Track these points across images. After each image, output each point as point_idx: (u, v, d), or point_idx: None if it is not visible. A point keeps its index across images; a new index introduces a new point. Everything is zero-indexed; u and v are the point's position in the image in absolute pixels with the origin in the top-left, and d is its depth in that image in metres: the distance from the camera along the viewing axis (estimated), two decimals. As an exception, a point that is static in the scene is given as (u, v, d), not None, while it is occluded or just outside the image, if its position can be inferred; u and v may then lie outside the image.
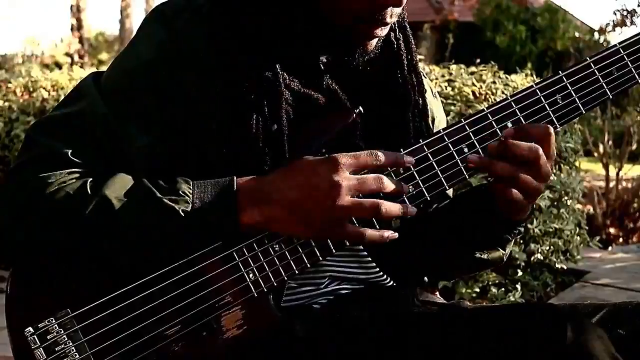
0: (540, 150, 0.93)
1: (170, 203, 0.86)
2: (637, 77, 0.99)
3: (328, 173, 0.87)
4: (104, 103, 0.93)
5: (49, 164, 0.90)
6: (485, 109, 0.96)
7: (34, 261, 0.90)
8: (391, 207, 0.89)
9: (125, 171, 0.91)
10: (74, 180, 0.89)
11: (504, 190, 0.96)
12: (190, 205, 0.87)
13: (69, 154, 0.90)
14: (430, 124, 1.09)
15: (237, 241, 0.90)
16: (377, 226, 0.91)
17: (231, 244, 0.90)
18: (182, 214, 0.86)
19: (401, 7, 0.94)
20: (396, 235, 0.91)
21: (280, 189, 0.88)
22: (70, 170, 0.90)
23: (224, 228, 0.88)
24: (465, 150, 0.94)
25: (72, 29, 14.15)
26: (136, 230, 0.86)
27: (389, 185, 0.90)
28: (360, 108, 0.95)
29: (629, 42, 1.00)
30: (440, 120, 1.14)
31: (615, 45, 1.00)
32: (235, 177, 0.89)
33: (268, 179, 0.89)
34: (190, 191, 0.88)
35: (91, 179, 0.89)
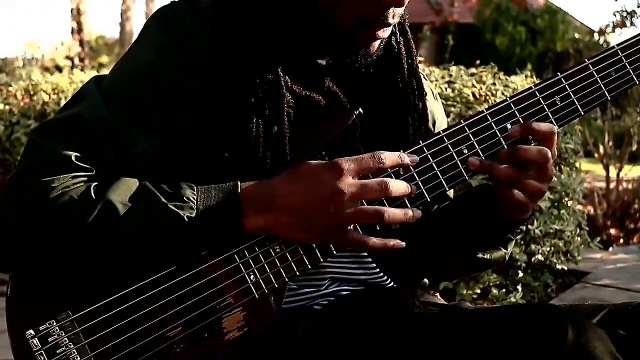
0: (549, 153, 0.93)
1: (174, 209, 0.86)
2: (635, 79, 1.00)
3: (331, 179, 0.87)
4: (106, 106, 0.93)
5: (52, 168, 0.90)
6: (485, 111, 0.96)
7: (37, 266, 0.90)
8: (395, 213, 0.89)
9: (128, 174, 0.91)
10: (77, 185, 0.89)
11: (506, 192, 0.96)
12: (195, 211, 0.87)
13: (72, 157, 0.90)
14: (431, 127, 1.09)
15: (238, 243, 0.90)
16: (377, 229, 0.91)
17: (232, 246, 0.90)
18: (186, 219, 0.86)
19: (403, 8, 0.94)
20: (402, 244, 0.91)
21: (284, 194, 0.88)
22: (73, 174, 0.90)
23: (227, 233, 0.88)
24: (465, 151, 0.95)
25: (72, 32, 14.16)
26: (140, 235, 0.86)
27: (393, 189, 0.89)
28: (360, 109, 0.95)
29: (627, 43, 1.00)
30: (441, 122, 1.14)
31: (613, 47, 1.00)
32: (239, 182, 0.89)
33: (271, 184, 0.89)
34: (195, 196, 0.88)
35: (95, 184, 0.89)
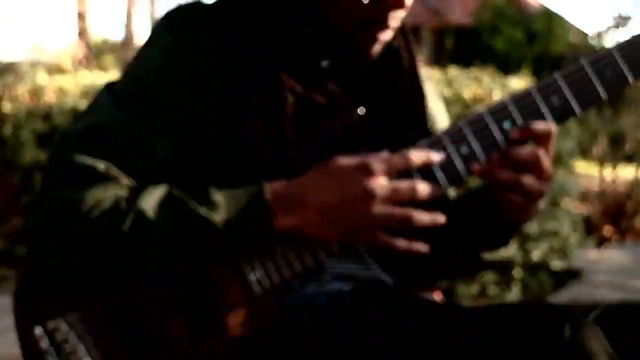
0: (541, 152, 0.93)
1: (205, 213, 0.87)
2: (630, 79, 0.99)
3: (362, 179, 0.86)
4: (122, 112, 0.93)
5: (79, 181, 0.88)
6: (483, 111, 0.96)
7: (77, 281, 0.90)
8: (422, 218, 0.89)
9: (152, 178, 0.91)
10: (107, 197, 0.88)
11: (504, 195, 0.95)
12: (225, 214, 0.87)
13: (99, 168, 0.89)
14: (433, 127, 1.09)
15: (269, 244, 0.90)
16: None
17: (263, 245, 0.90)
18: (217, 223, 0.87)
19: (404, 11, 0.94)
20: (427, 249, 0.91)
21: (314, 193, 0.87)
22: (102, 186, 0.89)
23: (259, 235, 0.88)
24: (464, 152, 0.94)
25: (77, 35, 14.07)
26: (173, 241, 0.87)
27: (422, 192, 0.89)
28: (361, 110, 0.95)
29: (622, 44, 1.00)
30: (442, 121, 1.14)
31: (609, 48, 1.00)
32: (264, 183, 0.89)
33: (301, 182, 0.88)
34: (223, 200, 0.88)
35: (125, 193, 0.89)
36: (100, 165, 0.89)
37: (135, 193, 0.89)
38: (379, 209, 0.87)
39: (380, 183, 0.87)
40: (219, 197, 0.88)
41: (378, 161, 0.88)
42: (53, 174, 0.92)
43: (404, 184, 0.89)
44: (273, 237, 0.89)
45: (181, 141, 0.93)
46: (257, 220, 0.88)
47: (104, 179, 0.90)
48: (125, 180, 0.91)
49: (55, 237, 0.89)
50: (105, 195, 0.89)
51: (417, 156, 0.90)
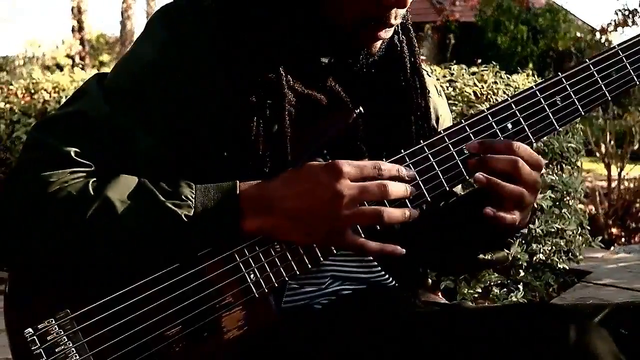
0: (520, 162, 0.92)
1: (172, 207, 0.86)
2: (636, 79, 1.00)
3: (331, 182, 0.87)
4: (108, 103, 0.92)
5: (51, 163, 0.89)
6: (486, 110, 0.96)
7: (34, 262, 0.90)
8: (393, 213, 0.89)
9: (128, 172, 0.90)
10: (76, 181, 0.88)
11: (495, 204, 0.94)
12: (193, 209, 0.87)
13: (72, 153, 0.90)
14: (435, 124, 1.09)
15: (235, 243, 0.90)
16: (378, 229, 0.91)
17: (231, 245, 0.90)
18: (184, 218, 0.86)
19: (405, 9, 0.93)
20: (402, 251, 0.90)
21: (283, 197, 0.87)
22: (72, 170, 0.89)
23: (225, 234, 0.88)
24: (466, 151, 0.95)
25: (73, 31, 14.18)
26: (137, 232, 0.86)
27: (392, 192, 0.89)
28: (361, 108, 0.94)
29: (628, 43, 1.01)
30: (444, 118, 1.14)
31: (614, 47, 1.01)
32: (238, 182, 0.89)
33: (271, 185, 0.89)
34: (193, 195, 0.87)
35: (94, 180, 0.89)
36: (73, 150, 0.90)
37: (105, 180, 0.88)
38: (347, 209, 0.87)
39: (349, 184, 0.87)
40: (189, 191, 0.88)
41: (348, 164, 0.88)
42: (26, 155, 0.93)
43: (372, 184, 0.89)
44: (240, 237, 0.89)
45: (169, 138, 0.93)
46: (224, 218, 0.88)
47: (75, 164, 0.90)
48: (98, 169, 0.91)
49: (20, 217, 0.89)
50: (73, 178, 0.88)
51: (388, 169, 0.90)
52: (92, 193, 0.87)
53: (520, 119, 0.96)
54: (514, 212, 0.95)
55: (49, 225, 0.87)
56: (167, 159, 0.92)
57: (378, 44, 0.97)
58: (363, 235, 0.90)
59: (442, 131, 0.95)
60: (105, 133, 0.91)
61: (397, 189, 0.90)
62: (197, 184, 0.89)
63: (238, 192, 0.88)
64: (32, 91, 3.83)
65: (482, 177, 0.93)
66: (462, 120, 0.96)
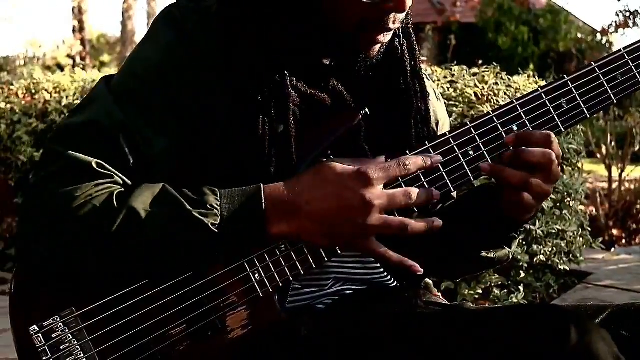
0: (553, 155, 0.94)
1: (199, 217, 0.86)
2: None
3: (360, 188, 0.87)
4: (119, 108, 0.92)
5: (73, 176, 0.89)
6: (491, 112, 0.96)
7: (62, 276, 0.89)
8: (417, 226, 0.90)
9: (148, 177, 0.90)
10: (100, 193, 0.88)
11: (513, 195, 0.96)
12: (219, 218, 0.87)
13: (93, 164, 0.89)
14: (434, 127, 1.09)
15: (262, 248, 0.90)
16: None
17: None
18: (211, 227, 0.86)
19: (404, 13, 0.93)
20: (420, 270, 0.91)
21: (310, 201, 0.87)
22: (96, 182, 0.89)
23: (252, 240, 0.88)
24: (471, 153, 0.95)
25: (73, 31, 14.17)
26: (164, 242, 0.86)
27: (418, 198, 0.90)
28: (367, 110, 0.95)
29: (634, 47, 1.01)
30: (443, 122, 1.14)
31: (619, 50, 1.01)
32: (262, 187, 0.89)
33: (297, 188, 0.89)
34: (218, 203, 0.87)
35: (118, 191, 0.89)
36: (94, 161, 0.90)
37: (129, 190, 0.88)
38: (376, 219, 0.88)
39: (378, 193, 0.88)
40: (214, 199, 0.88)
41: (375, 170, 0.89)
42: (46, 167, 0.92)
43: (399, 192, 0.90)
44: (267, 241, 0.89)
45: (180, 139, 0.93)
46: (251, 226, 0.88)
47: (97, 175, 0.90)
48: (119, 177, 0.91)
49: (46, 232, 0.88)
50: (98, 191, 0.88)
51: (414, 162, 0.91)
52: (117, 205, 0.86)
53: (526, 121, 0.96)
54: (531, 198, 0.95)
55: (76, 240, 0.87)
56: (182, 162, 0.92)
57: (377, 47, 0.97)
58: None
59: (447, 133, 0.96)
60: (122, 140, 0.91)
61: (422, 194, 0.91)
62: (221, 189, 0.89)
63: (263, 197, 0.88)
64: (33, 91, 3.82)
65: (486, 165, 0.94)
66: (468, 122, 0.96)
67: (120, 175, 0.91)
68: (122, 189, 0.89)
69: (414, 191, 0.90)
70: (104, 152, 0.90)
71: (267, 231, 0.88)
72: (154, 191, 0.88)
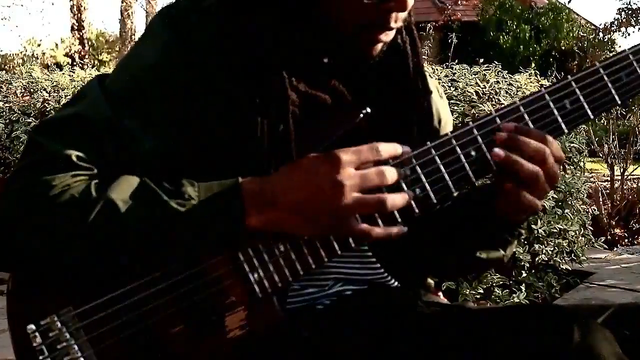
0: (548, 151, 0.92)
1: (176, 206, 0.86)
2: None
3: (330, 171, 0.86)
4: (109, 105, 0.92)
5: (52, 166, 0.89)
6: (494, 112, 0.96)
7: (38, 264, 0.89)
8: (396, 199, 0.88)
9: (130, 173, 0.90)
10: (78, 183, 0.88)
11: (513, 192, 0.94)
12: (197, 209, 0.86)
13: (73, 156, 0.89)
14: (437, 126, 1.09)
15: (241, 241, 0.89)
16: (381, 221, 0.90)
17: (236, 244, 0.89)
18: (188, 217, 0.86)
19: (406, 12, 0.93)
20: (405, 229, 0.90)
21: (285, 190, 0.87)
22: (74, 172, 0.89)
23: (230, 232, 0.87)
24: (473, 153, 0.94)
25: (72, 30, 14.16)
26: (141, 233, 0.86)
27: (391, 176, 0.89)
28: (368, 109, 0.94)
29: (638, 47, 1.00)
30: (446, 121, 1.13)
31: (624, 51, 1.00)
32: (240, 179, 0.88)
33: (272, 179, 0.88)
34: (196, 194, 0.87)
35: (96, 181, 0.89)
36: (75, 153, 0.90)
37: (107, 182, 0.88)
38: (349, 198, 0.86)
39: (349, 173, 0.87)
40: (191, 190, 0.87)
41: (347, 153, 0.88)
42: (27, 157, 0.92)
43: (371, 170, 0.88)
44: (245, 234, 0.88)
45: (171, 139, 0.92)
46: (228, 218, 0.87)
47: (76, 167, 0.89)
48: (100, 171, 0.90)
49: (22, 220, 0.88)
50: (75, 181, 0.88)
51: (386, 149, 0.90)
52: (95, 195, 0.86)
53: (529, 122, 0.95)
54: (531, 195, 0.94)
55: (52, 228, 0.87)
56: (170, 160, 0.92)
57: (379, 46, 0.97)
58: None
59: (449, 133, 0.95)
60: (107, 135, 0.91)
61: (393, 173, 0.89)
62: (200, 183, 0.88)
63: (241, 189, 0.87)
64: (32, 90, 3.83)
65: (500, 152, 0.91)
66: (470, 122, 0.95)
67: (101, 169, 0.90)
68: (101, 181, 0.89)
69: (388, 169, 0.88)
70: (86, 145, 0.90)
71: (245, 222, 0.87)
72: (132, 183, 0.88)
